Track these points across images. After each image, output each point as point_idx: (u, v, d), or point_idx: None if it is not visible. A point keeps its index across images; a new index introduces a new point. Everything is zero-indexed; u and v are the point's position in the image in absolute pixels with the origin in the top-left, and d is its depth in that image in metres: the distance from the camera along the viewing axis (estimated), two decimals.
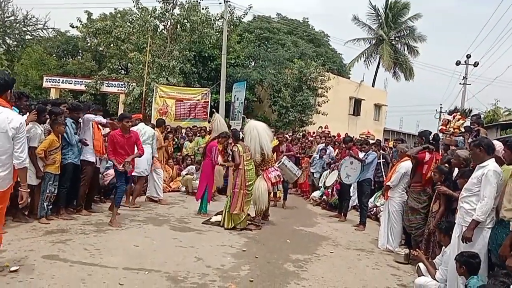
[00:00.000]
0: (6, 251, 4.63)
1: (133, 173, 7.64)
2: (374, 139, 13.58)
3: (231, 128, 12.00)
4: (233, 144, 7.38)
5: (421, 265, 4.97)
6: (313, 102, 21.84)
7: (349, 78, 31.15)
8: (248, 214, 7.20)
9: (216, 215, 7.65)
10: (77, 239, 5.40)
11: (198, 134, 11.88)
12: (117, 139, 6.55)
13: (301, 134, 17.07)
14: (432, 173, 5.85)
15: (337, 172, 9.04)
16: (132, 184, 8.17)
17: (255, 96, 23.40)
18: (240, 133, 7.60)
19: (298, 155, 11.93)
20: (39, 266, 4.31)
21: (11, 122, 3.71)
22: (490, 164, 4.19)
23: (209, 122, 18.41)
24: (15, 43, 29.09)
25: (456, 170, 5.52)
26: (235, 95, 18.92)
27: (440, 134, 8.37)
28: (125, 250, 5.18)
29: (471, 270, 3.85)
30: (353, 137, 10.70)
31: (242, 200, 6.98)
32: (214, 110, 12.68)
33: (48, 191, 6.12)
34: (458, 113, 8.54)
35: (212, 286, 4.31)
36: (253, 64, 24.68)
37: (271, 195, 8.37)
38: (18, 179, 4.01)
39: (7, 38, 28.21)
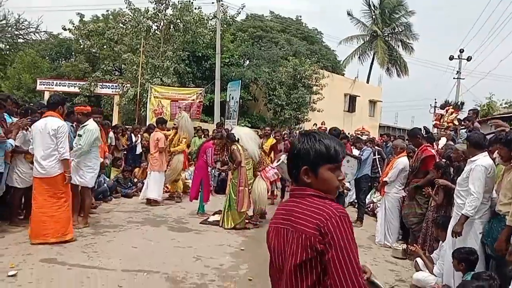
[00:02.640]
0: (4, 256, 4.63)
1: (76, 183, 6.11)
2: (369, 135, 13.62)
3: (224, 128, 12.00)
4: (230, 144, 7.36)
5: (419, 260, 5.00)
6: (308, 99, 21.86)
7: (343, 75, 31.22)
8: (246, 213, 7.22)
9: (213, 214, 7.66)
10: (75, 242, 5.38)
11: (194, 135, 11.82)
12: None
13: (297, 132, 17.09)
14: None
15: None
16: None
17: (250, 95, 23.40)
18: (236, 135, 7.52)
19: None
20: (38, 270, 4.30)
21: (52, 125, 5.21)
22: (480, 159, 4.23)
23: (205, 122, 18.48)
24: (7, 46, 28.87)
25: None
26: (230, 94, 18.90)
27: (435, 129, 8.43)
28: (124, 252, 5.18)
29: (469, 266, 3.88)
30: (348, 133, 10.72)
31: (248, 197, 7.01)
32: (183, 110, 12.58)
33: None
34: (451, 107, 8.58)
35: (211, 286, 4.31)
36: (247, 63, 24.67)
37: (269, 193, 8.38)
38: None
39: None
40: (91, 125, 6.17)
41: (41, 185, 5.23)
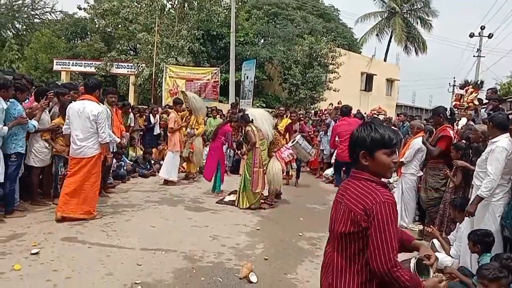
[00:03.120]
0: (26, 234, 4.76)
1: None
2: (385, 115, 13.44)
3: (237, 107, 11.94)
4: (244, 125, 7.34)
5: (435, 241, 4.97)
6: (324, 78, 21.56)
7: (360, 53, 30.65)
8: (261, 194, 7.25)
9: (229, 194, 7.72)
10: (94, 221, 5.50)
11: (209, 115, 11.83)
12: None
13: (313, 112, 16.96)
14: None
15: None
16: None
17: (265, 74, 23.21)
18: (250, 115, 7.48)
19: (311, 133, 11.81)
20: (59, 249, 4.41)
21: (92, 111, 5.40)
22: (501, 141, 4.13)
23: (220, 102, 18.45)
24: (24, 27, 29.11)
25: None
26: (244, 74, 18.78)
27: (455, 110, 8.25)
28: (142, 231, 5.27)
29: (485, 248, 3.84)
30: (365, 113, 10.59)
31: (263, 178, 7.04)
32: (184, 90, 12.45)
33: (60, 173, 6.24)
34: (470, 86, 8.36)
35: (228, 265, 4.37)
36: (262, 41, 24.39)
37: (284, 173, 8.39)
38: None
39: (15, 22, 28.27)
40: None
41: (76, 164, 5.49)
